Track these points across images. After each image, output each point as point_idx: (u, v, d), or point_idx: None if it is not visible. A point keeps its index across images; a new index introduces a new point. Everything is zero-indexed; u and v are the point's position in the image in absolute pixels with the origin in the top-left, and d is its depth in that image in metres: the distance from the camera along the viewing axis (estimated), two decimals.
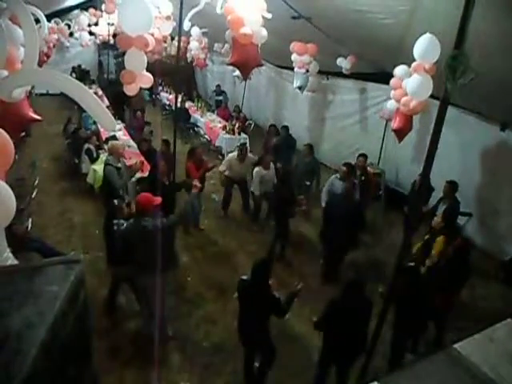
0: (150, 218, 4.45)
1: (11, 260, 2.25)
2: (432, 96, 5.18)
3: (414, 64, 5.09)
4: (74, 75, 15.92)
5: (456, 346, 1.99)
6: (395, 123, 6.25)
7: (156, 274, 4.40)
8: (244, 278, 4.08)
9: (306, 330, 5.09)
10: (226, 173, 7.85)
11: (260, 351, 4.28)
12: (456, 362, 1.89)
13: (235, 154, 7.93)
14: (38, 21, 6.01)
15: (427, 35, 4.57)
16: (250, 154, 8.16)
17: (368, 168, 7.78)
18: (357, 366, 4.00)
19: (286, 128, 9.85)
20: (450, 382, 1.79)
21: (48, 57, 12.23)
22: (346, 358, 4.04)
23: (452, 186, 6.18)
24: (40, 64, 10.37)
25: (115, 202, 5.31)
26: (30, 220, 6.48)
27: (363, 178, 7.36)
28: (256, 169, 7.57)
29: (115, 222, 4.80)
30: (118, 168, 6.52)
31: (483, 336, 2.06)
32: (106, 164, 6.56)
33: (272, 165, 7.64)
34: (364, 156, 7.60)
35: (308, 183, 8.15)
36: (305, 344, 5.01)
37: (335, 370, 4.16)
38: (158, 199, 4.60)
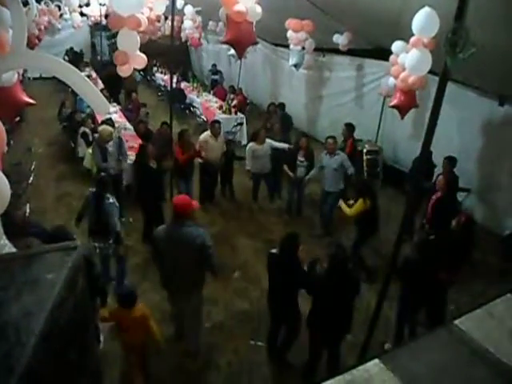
0: (190, 223, 4.01)
1: (8, 247, 2.23)
2: (430, 71, 5.11)
3: (412, 39, 5.01)
4: (66, 58, 15.70)
5: (456, 321, 1.99)
6: (394, 99, 6.19)
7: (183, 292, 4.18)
8: (273, 251, 4.13)
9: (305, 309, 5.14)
10: (199, 159, 7.43)
11: (287, 323, 4.35)
12: (456, 337, 1.89)
13: (206, 133, 7.42)
14: (27, 3, 5.89)
15: (426, 9, 4.48)
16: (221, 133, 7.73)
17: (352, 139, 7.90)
18: (357, 344, 4.05)
19: (282, 105, 9.77)
20: (450, 358, 1.80)
21: (39, 40, 12.01)
22: (330, 333, 4.06)
23: (450, 162, 6.16)
24: (32, 47, 10.22)
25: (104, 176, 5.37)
26: (28, 205, 6.46)
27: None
28: (249, 144, 7.54)
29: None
30: (104, 149, 6.51)
31: (483, 311, 2.06)
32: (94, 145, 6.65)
33: (268, 140, 7.47)
34: (347, 126, 7.88)
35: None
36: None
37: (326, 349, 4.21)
38: (197, 204, 4.28)
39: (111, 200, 4.96)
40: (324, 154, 6.72)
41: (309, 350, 4.23)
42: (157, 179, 6.23)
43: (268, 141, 7.46)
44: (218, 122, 7.76)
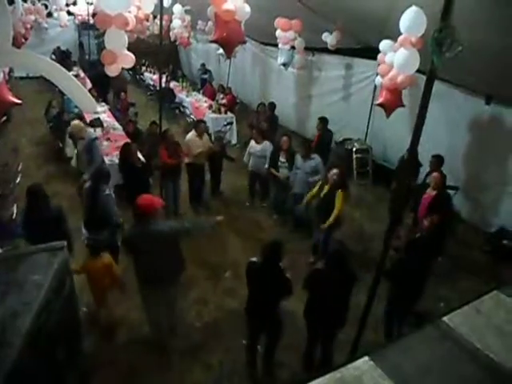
0: (154, 221, 4.06)
1: None
2: (419, 70, 5.15)
3: (400, 38, 5.04)
4: (54, 57, 15.53)
5: (444, 318, 2.02)
6: (380, 98, 6.23)
7: (159, 285, 4.25)
8: (253, 260, 3.97)
9: (297, 308, 5.15)
10: (186, 160, 7.32)
11: (269, 330, 4.20)
12: (445, 334, 1.91)
13: (191, 133, 7.36)
14: (12, 1, 5.82)
15: (413, 8, 4.51)
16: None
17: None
18: (348, 341, 4.07)
19: (272, 105, 9.79)
20: (439, 354, 1.82)
21: (26, 39, 11.91)
22: (326, 328, 4.12)
23: (438, 160, 6.21)
24: (18, 46, 10.10)
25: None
26: (16, 206, 6.37)
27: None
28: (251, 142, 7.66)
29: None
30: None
31: (471, 308, 2.08)
32: None
33: (267, 142, 7.45)
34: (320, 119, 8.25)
35: None
36: (295, 321, 5.06)
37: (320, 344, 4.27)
38: (160, 201, 4.34)
39: (107, 192, 5.09)
40: (299, 156, 6.70)
41: (306, 344, 4.29)
42: (142, 178, 6.18)
43: (266, 143, 7.44)
44: (202, 121, 7.78)
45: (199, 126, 7.44)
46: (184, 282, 5.54)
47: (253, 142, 7.57)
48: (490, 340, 1.86)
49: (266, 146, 7.42)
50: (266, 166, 7.24)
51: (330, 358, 4.23)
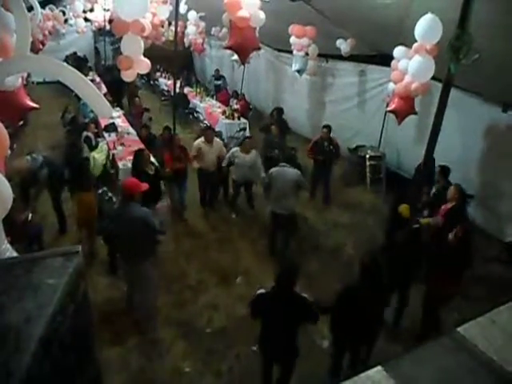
0: (136, 204, 4.56)
1: (9, 252, 2.23)
2: (433, 78, 5.12)
3: (415, 45, 5.02)
4: (69, 62, 15.78)
5: (459, 329, 1.98)
6: (392, 104, 6.20)
7: (133, 261, 4.73)
8: (262, 291, 3.63)
9: None
10: (195, 164, 7.31)
11: (285, 360, 3.85)
12: (459, 345, 1.88)
13: (200, 139, 7.36)
14: (31, 8, 5.93)
15: (429, 15, 4.49)
16: (217, 139, 7.57)
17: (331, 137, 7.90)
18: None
19: (280, 110, 9.89)
20: (453, 366, 1.78)
21: (44, 44, 12.14)
22: (361, 343, 4.02)
23: (443, 170, 6.11)
24: (36, 51, 10.29)
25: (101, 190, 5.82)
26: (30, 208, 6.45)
27: (331, 146, 7.77)
28: (233, 148, 7.37)
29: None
30: None
31: (486, 319, 2.04)
32: None
33: (254, 151, 7.16)
34: (327, 127, 7.84)
35: None
36: (306, 328, 5.03)
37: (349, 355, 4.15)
38: (145, 185, 4.68)
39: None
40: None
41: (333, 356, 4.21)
42: (153, 185, 6.22)
43: (254, 152, 7.16)
44: (210, 128, 7.79)
45: (207, 132, 7.43)
46: (194, 286, 5.59)
47: (239, 153, 7.10)
48: (506, 351, 1.82)
49: (255, 155, 7.15)
50: (263, 174, 6.79)
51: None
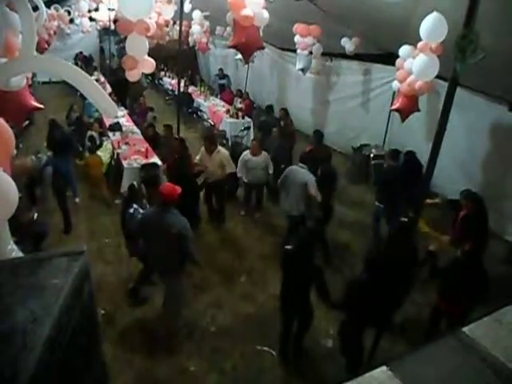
0: (174, 209, 4.35)
1: (15, 252, 2.24)
2: (438, 76, 5.09)
3: (419, 44, 5.00)
4: (78, 63, 15.88)
5: (465, 329, 1.97)
6: (396, 103, 6.19)
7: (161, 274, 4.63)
8: (288, 247, 4.10)
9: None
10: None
11: (299, 316, 4.35)
12: (465, 345, 1.87)
13: (203, 148, 6.92)
14: (36, 8, 5.95)
15: (434, 14, 4.47)
16: (221, 148, 7.01)
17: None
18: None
19: (269, 107, 10.12)
20: (459, 366, 1.77)
21: (49, 44, 12.17)
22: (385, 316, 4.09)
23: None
24: (41, 51, 10.32)
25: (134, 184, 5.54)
26: (36, 208, 6.49)
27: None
28: (244, 152, 7.21)
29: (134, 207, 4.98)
30: None
31: (492, 319, 2.03)
32: None
33: (264, 153, 7.04)
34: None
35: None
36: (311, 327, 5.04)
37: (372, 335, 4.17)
38: (179, 188, 4.46)
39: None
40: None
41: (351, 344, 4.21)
42: (194, 186, 6.42)
43: (265, 154, 7.05)
44: (209, 137, 7.08)
45: (205, 142, 6.89)
46: (198, 285, 5.60)
47: (249, 156, 7.00)
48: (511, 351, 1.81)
49: (265, 157, 7.04)
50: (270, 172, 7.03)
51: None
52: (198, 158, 6.97)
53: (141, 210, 4.98)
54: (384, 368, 1.70)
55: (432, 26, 4.58)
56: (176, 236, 4.24)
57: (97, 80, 12.16)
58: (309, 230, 4.54)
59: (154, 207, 4.62)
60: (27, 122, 9.21)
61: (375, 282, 3.77)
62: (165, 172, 6.86)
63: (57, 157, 6.54)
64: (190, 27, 12.01)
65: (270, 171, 7.08)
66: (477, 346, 1.84)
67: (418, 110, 6.32)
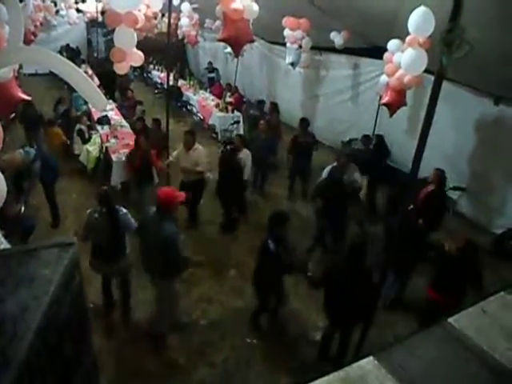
0: (171, 221, 4.18)
1: (4, 244, 2.23)
2: (426, 70, 5.13)
3: (408, 38, 5.03)
4: (64, 54, 15.63)
5: (450, 319, 2.00)
6: (385, 97, 6.24)
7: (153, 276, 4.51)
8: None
9: (302, 307, 5.17)
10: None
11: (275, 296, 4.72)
12: (450, 335, 1.90)
13: (181, 146, 6.60)
14: None
15: (422, 8, 4.50)
16: (199, 146, 6.54)
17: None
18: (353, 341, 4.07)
19: (260, 102, 10.38)
20: (444, 355, 1.81)
21: (35, 35, 11.99)
22: (348, 320, 4.13)
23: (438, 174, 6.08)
24: (27, 43, 10.15)
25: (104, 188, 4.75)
26: (24, 203, 6.42)
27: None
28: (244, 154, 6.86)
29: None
30: None
31: (476, 309, 2.07)
32: None
33: (246, 150, 6.82)
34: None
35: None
36: (300, 320, 5.08)
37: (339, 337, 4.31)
38: (182, 195, 4.36)
39: (124, 211, 4.56)
40: None
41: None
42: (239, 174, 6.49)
43: (246, 151, 6.81)
44: (190, 132, 6.67)
45: (185, 136, 6.47)
46: (187, 279, 5.59)
47: (245, 150, 6.84)
48: (496, 341, 1.85)
49: (246, 154, 6.80)
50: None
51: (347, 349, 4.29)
52: (174, 154, 6.66)
53: (123, 210, 4.56)
54: (371, 358, 1.73)
55: (420, 20, 4.61)
56: (164, 242, 4.08)
57: (85, 72, 12.02)
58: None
59: (152, 212, 4.32)
60: (13, 115, 9.07)
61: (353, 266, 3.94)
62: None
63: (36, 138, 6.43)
64: (178, 20, 11.93)
65: (247, 173, 6.80)
66: (462, 336, 1.87)
67: (405, 104, 6.38)
